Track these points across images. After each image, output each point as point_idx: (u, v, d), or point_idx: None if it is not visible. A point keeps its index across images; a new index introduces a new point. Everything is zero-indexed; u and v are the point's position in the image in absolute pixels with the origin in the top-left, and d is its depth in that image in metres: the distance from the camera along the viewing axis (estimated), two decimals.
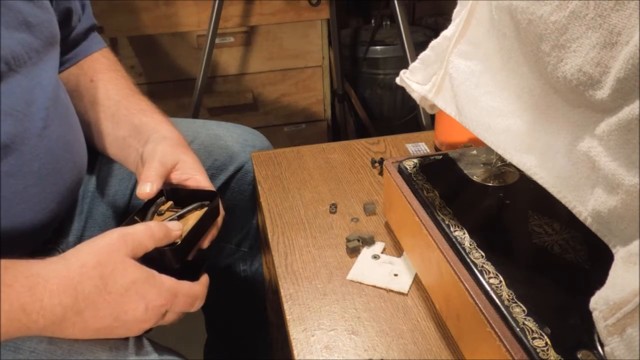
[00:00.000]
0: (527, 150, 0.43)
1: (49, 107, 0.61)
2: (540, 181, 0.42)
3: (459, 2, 0.51)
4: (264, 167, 0.84)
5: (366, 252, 0.65)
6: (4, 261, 0.47)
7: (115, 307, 0.50)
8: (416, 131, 0.96)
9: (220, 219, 0.66)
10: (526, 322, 0.42)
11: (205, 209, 0.62)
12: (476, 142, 0.68)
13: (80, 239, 0.74)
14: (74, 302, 0.48)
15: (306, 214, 0.73)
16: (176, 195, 0.65)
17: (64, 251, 0.72)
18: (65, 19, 0.74)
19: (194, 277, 0.57)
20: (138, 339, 0.63)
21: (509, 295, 0.45)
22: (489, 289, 0.46)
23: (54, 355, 0.57)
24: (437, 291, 0.55)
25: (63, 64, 0.77)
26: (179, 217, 0.62)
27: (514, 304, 0.44)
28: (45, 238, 0.68)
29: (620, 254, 0.36)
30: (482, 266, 0.48)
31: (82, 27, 0.78)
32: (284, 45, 1.75)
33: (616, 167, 0.34)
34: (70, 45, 0.77)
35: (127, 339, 0.62)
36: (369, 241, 0.66)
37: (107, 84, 0.76)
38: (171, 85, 1.72)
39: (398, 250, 0.66)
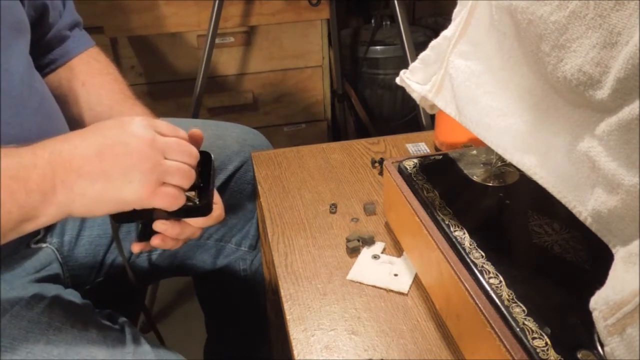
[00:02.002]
0: (527, 150, 0.43)
1: (19, 96, 0.60)
2: (540, 181, 0.42)
3: (459, 2, 0.51)
4: (264, 167, 0.84)
5: (366, 252, 0.65)
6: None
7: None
8: (416, 131, 0.96)
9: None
10: (526, 322, 0.42)
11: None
12: (476, 142, 0.68)
13: (77, 238, 0.74)
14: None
15: (306, 214, 0.73)
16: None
17: (57, 249, 0.72)
18: (41, 15, 0.73)
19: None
20: (135, 338, 0.63)
21: (509, 295, 0.45)
22: (489, 289, 0.46)
23: (50, 355, 0.57)
24: (437, 291, 0.55)
25: (50, 65, 0.76)
26: None
27: (514, 304, 0.44)
28: (33, 234, 0.69)
29: (620, 254, 0.36)
30: (482, 266, 0.48)
31: (63, 23, 0.77)
32: (284, 45, 1.75)
33: (616, 167, 0.34)
34: (54, 43, 0.77)
35: (124, 339, 0.62)
36: (369, 241, 0.66)
37: (100, 88, 0.76)
38: (171, 85, 1.72)
39: (398, 250, 0.66)
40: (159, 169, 0.52)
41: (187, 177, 0.54)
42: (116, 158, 0.51)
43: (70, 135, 0.53)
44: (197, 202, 0.58)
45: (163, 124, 0.55)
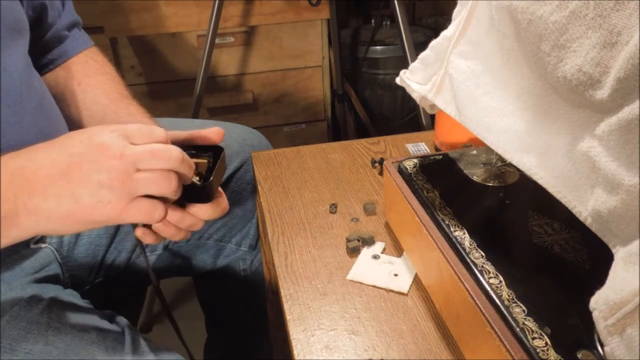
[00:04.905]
0: (527, 150, 0.43)
1: (18, 95, 0.60)
2: (540, 181, 0.42)
3: (459, 2, 0.51)
4: (264, 167, 0.84)
5: (366, 252, 0.65)
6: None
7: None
8: (416, 131, 0.96)
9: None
10: (526, 322, 0.42)
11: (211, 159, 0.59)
12: (476, 142, 0.68)
13: (77, 239, 0.74)
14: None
15: (306, 214, 0.73)
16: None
17: (57, 249, 0.72)
18: (40, 14, 0.73)
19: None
20: (134, 338, 0.63)
21: (509, 295, 0.45)
22: (489, 289, 0.46)
23: (49, 356, 0.57)
24: (437, 291, 0.55)
25: (48, 65, 0.76)
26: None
27: (514, 304, 0.44)
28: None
29: (620, 254, 0.36)
30: (482, 266, 0.48)
31: (62, 23, 0.77)
32: (284, 45, 1.75)
33: (616, 167, 0.34)
34: (52, 43, 0.76)
35: (123, 339, 0.62)
36: (369, 241, 0.66)
37: (95, 88, 0.76)
38: (171, 85, 1.72)
39: (398, 250, 0.66)
40: (129, 184, 0.48)
41: (166, 184, 0.50)
42: (84, 178, 0.48)
43: (35, 151, 0.50)
44: (198, 184, 0.55)
45: (136, 130, 0.51)
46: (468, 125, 0.49)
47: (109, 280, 0.80)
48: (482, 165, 0.62)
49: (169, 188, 0.50)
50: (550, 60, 0.39)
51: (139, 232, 0.57)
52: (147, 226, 0.57)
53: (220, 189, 0.62)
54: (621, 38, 0.33)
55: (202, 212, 0.56)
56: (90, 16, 1.47)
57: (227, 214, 0.66)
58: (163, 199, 0.54)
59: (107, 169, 0.48)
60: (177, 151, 0.51)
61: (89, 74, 0.77)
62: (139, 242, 0.64)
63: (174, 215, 0.55)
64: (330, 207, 0.74)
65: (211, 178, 0.56)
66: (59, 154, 0.49)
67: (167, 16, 1.58)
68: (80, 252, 0.75)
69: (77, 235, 0.75)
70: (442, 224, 0.54)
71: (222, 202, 0.58)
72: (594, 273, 0.44)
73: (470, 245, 0.51)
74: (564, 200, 0.40)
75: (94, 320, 0.63)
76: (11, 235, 0.49)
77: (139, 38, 1.62)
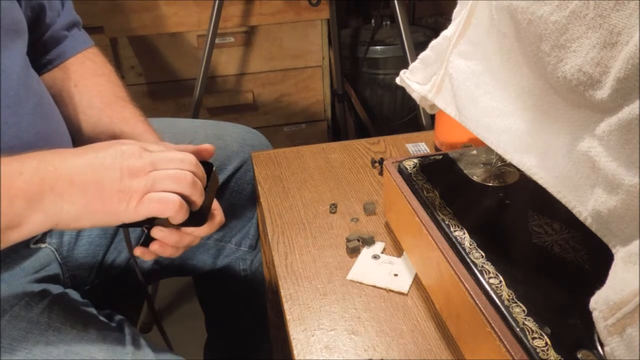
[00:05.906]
0: (527, 150, 0.43)
1: (16, 96, 0.60)
2: (540, 181, 0.42)
3: (459, 2, 0.51)
4: (264, 167, 0.84)
5: (366, 252, 0.65)
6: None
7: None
8: (416, 131, 0.96)
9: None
10: (526, 322, 0.42)
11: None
12: (476, 142, 0.68)
13: (77, 239, 0.74)
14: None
15: (306, 214, 0.73)
16: None
17: (57, 249, 0.72)
18: (38, 15, 0.73)
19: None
20: (135, 338, 0.63)
21: (509, 295, 0.45)
22: (489, 289, 0.46)
23: (50, 356, 0.57)
24: (437, 291, 0.55)
25: (47, 65, 0.76)
26: None
27: (514, 304, 0.44)
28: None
29: (620, 254, 0.36)
30: (482, 266, 0.48)
31: (61, 23, 0.77)
32: (284, 45, 1.75)
33: (616, 167, 0.34)
34: (51, 44, 0.76)
35: (123, 339, 0.62)
36: (369, 241, 0.66)
37: (91, 90, 0.76)
38: (171, 85, 1.72)
39: (398, 250, 0.66)
40: (146, 178, 0.52)
41: (182, 181, 0.53)
42: (108, 169, 0.51)
43: (61, 149, 0.53)
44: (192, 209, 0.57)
45: (153, 145, 0.56)
46: (468, 125, 0.49)
47: (109, 280, 0.80)
48: (482, 165, 0.62)
49: (186, 184, 0.53)
50: (550, 60, 0.39)
51: (138, 252, 0.60)
52: (145, 245, 0.59)
53: (215, 200, 0.63)
54: (621, 38, 0.33)
55: (198, 230, 0.59)
56: (90, 16, 1.47)
57: (226, 215, 0.67)
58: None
59: (128, 164, 0.52)
60: (192, 156, 0.56)
61: (86, 75, 0.77)
62: (128, 241, 0.65)
63: (172, 236, 0.58)
64: (330, 207, 0.74)
65: (203, 203, 0.58)
66: (85, 152, 0.53)
67: (167, 16, 1.58)
68: (80, 252, 0.75)
69: (77, 235, 0.75)
70: (442, 224, 0.54)
71: (217, 217, 0.61)
72: (594, 273, 0.44)
73: (470, 245, 0.51)
74: (564, 200, 0.40)
75: (94, 320, 0.63)
76: (35, 221, 0.50)
77: (139, 38, 1.63)
